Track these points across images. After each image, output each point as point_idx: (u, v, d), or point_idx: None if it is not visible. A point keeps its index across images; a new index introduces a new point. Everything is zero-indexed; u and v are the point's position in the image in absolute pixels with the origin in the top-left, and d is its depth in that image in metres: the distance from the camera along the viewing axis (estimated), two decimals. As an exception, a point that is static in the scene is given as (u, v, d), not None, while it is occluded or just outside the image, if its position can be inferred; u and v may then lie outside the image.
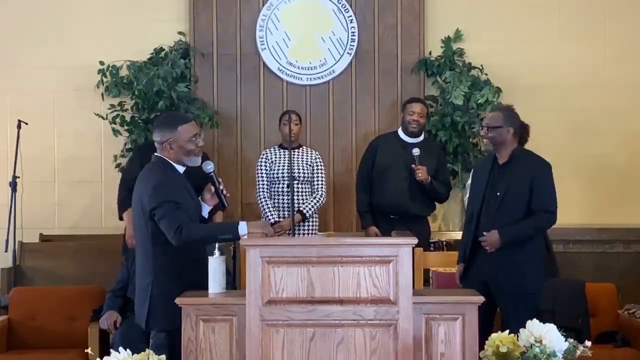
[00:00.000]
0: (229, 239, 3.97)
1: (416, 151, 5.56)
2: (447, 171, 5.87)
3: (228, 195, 4.17)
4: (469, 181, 5.30)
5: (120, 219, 5.57)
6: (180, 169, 4.05)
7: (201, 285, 3.84)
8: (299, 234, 5.52)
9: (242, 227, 3.89)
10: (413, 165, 5.53)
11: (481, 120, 6.20)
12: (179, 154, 4.01)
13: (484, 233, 4.45)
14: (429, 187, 5.55)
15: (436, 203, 5.80)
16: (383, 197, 5.63)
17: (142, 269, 3.99)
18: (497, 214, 4.45)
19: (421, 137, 5.77)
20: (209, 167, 4.11)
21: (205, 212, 4.09)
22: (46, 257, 5.90)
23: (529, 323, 3.63)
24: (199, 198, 4.16)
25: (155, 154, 4.09)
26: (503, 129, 4.51)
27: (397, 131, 5.83)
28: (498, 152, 4.57)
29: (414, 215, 5.56)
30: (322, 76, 6.37)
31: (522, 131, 4.60)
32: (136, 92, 6.18)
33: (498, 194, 4.47)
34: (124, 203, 5.56)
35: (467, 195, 4.95)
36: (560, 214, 5.52)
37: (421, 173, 5.50)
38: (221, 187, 4.12)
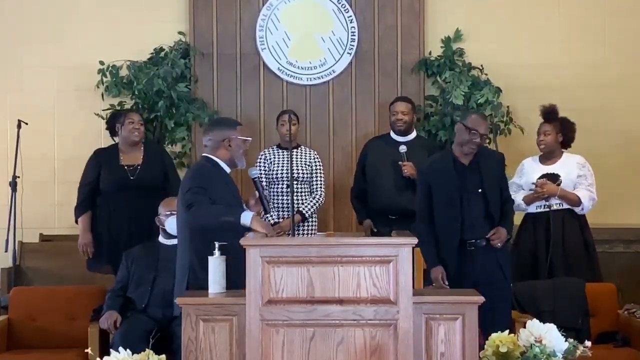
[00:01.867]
0: (230, 222, 3.98)
1: (403, 148, 5.58)
2: None
3: (270, 201, 4.25)
4: None
5: (76, 222, 5.56)
6: (227, 169, 4.15)
7: (232, 277, 3.86)
8: (298, 234, 5.52)
9: (246, 216, 3.96)
10: (400, 162, 5.54)
11: (457, 117, 6.22)
12: (235, 152, 4.15)
13: (492, 232, 4.57)
14: None
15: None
16: (378, 198, 5.65)
17: (181, 259, 4.12)
18: (482, 211, 4.54)
19: (412, 135, 5.78)
20: (254, 172, 4.21)
21: (248, 218, 4.04)
22: (46, 257, 5.90)
23: (529, 323, 3.63)
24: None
25: (203, 154, 4.19)
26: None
27: (389, 133, 5.85)
28: (464, 155, 4.62)
29: (411, 212, 5.54)
30: (322, 76, 6.38)
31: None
32: (136, 92, 6.18)
33: (480, 191, 4.52)
34: (80, 207, 5.55)
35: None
36: (560, 214, 5.54)
37: (407, 169, 5.52)
38: (265, 192, 4.24)
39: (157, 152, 5.69)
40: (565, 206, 5.35)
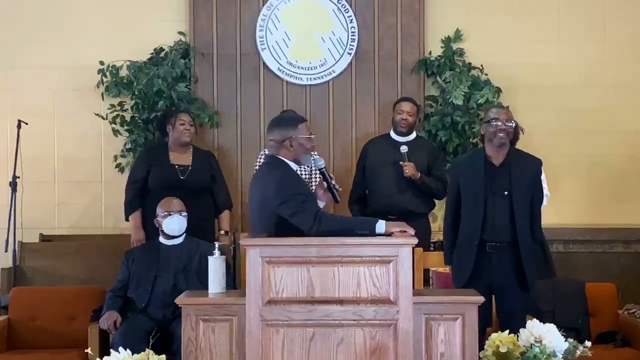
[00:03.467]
0: (364, 235, 3.91)
1: (404, 148, 5.58)
2: (443, 167, 5.84)
3: (340, 189, 4.22)
4: None
5: (127, 220, 5.58)
6: (294, 167, 4.12)
7: None
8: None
9: (380, 225, 3.87)
10: (401, 162, 5.54)
11: (481, 119, 6.23)
12: (298, 151, 4.09)
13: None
14: (420, 183, 5.56)
15: (435, 200, 5.80)
16: (377, 198, 5.65)
17: None
18: (507, 214, 4.44)
19: (412, 136, 5.78)
20: (320, 162, 4.18)
21: (382, 227, 3.95)
22: (46, 257, 5.89)
23: (529, 323, 3.63)
24: None
25: (267, 153, 4.17)
26: (515, 126, 4.54)
27: (389, 133, 5.85)
28: (495, 152, 4.55)
29: (411, 212, 5.55)
30: (322, 76, 6.37)
31: (517, 131, 4.61)
32: (136, 92, 6.18)
33: (506, 193, 4.45)
34: (131, 205, 5.56)
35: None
36: (561, 214, 5.54)
37: (408, 169, 5.52)
38: (333, 182, 4.19)
39: (206, 155, 5.77)
40: None
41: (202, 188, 5.54)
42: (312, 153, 5.59)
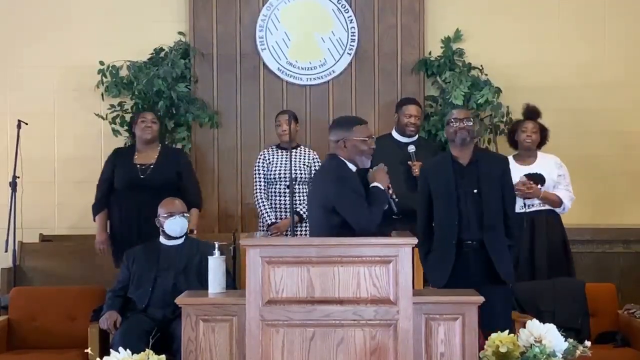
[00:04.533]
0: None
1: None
2: None
3: (397, 200, 4.31)
4: None
5: (94, 221, 5.57)
6: (352, 168, 4.17)
7: None
8: (296, 234, 5.51)
9: (376, 187, 4.17)
10: (410, 162, 5.54)
11: (481, 120, 6.23)
12: (352, 153, 4.16)
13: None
14: None
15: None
16: None
17: None
18: (477, 212, 4.52)
19: (415, 137, 5.79)
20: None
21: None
22: (46, 257, 5.89)
23: (529, 323, 3.63)
24: None
25: (329, 152, 4.24)
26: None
27: (390, 133, 5.83)
28: (460, 152, 4.61)
29: (414, 212, 5.53)
30: (322, 76, 6.37)
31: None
32: (136, 92, 6.18)
33: (475, 191, 4.52)
34: (96, 206, 5.56)
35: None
36: (560, 214, 5.53)
37: (417, 169, 5.52)
38: (390, 191, 4.27)
39: (174, 153, 5.72)
40: (547, 207, 5.36)
41: (165, 186, 5.38)
42: (312, 153, 5.59)
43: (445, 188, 4.59)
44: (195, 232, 5.38)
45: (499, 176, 4.63)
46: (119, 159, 5.59)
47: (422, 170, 4.99)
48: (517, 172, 5.33)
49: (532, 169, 5.40)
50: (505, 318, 4.49)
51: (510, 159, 5.39)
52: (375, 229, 4.07)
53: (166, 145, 5.81)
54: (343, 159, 4.17)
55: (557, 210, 5.37)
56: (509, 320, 4.57)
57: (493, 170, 4.62)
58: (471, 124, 4.66)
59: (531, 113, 5.54)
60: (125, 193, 5.43)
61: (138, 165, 5.49)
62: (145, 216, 5.27)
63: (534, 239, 5.30)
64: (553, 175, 5.39)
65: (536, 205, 5.33)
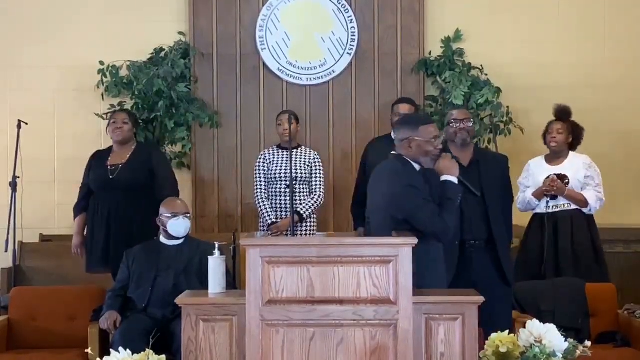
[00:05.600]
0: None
1: None
2: None
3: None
4: None
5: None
6: (417, 167, 4.11)
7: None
8: (296, 234, 5.51)
9: (450, 181, 4.06)
10: None
11: (481, 120, 6.23)
12: (416, 153, 4.07)
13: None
14: None
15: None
16: None
17: None
18: (480, 212, 4.51)
19: None
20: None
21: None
22: (46, 257, 5.89)
23: (529, 323, 3.63)
24: None
25: (393, 152, 4.17)
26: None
27: (390, 133, 5.83)
28: (461, 152, 4.60)
29: None
30: (322, 76, 6.38)
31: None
32: (136, 92, 6.18)
33: (477, 194, 4.47)
34: (76, 208, 5.52)
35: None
36: (561, 214, 5.52)
37: None
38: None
39: (146, 151, 5.56)
40: (573, 206, 5.35)
41: (135, 186, 5.32)
42: (312, 153, 5.57)
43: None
44: None
45: (499, 176, 4.65)
46: (96, 161, 5.53)
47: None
48: (544, 172, 5.34)
49: (560, 169, 5.39)
50: (507, 318, 4.51)
51: (541, 158, 5.41)
52: (452, 238, 4.06)
53: (141, 143, 5.72)
54: (407, 159, 4.10)
55: (584, 210, 5.36)
56: (510, 320, 4.58)
57: (494, 170, 4.63)
58: (471, 124, 4.68)
59: (559, 113, 5.50)
60: (98, 194, 5.37)
61: (109, 166, 5.43)
62: (114, 216, 5.26)
63: (557, 239, 5.30)
64: (579, 176, 5.36)
65: (560, 205, 5.31)
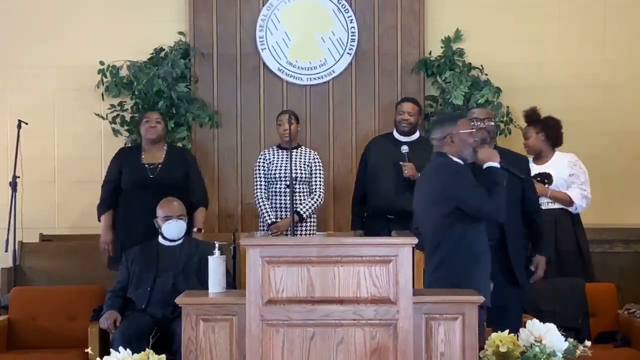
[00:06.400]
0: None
1: (404, 148, 5.58)
2: None
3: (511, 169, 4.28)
4: None
5: (99, 220, 5.56)
6: (460, 162, 4.15)
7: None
8: (296, 234, 5.51)
9: (494, 167, 4.12)
10: (401, 162, 5.54)
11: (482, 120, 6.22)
12: (460, 146, 4.13)
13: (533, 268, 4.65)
14: None
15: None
16: (377, 197, 5.65)
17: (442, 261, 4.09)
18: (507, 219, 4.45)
19: (415, 136, 5.78)
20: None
21: None
22: (46, 257, 5.89)
23: (529, 323, 3.63)
24: None
25: (435, 151, 4.21)
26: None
27: (392, 132, 5.85)
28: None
29: (410, 213, 5.54)
30: (322, 76, 6.38)
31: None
32: (136, 92, 6.18)
33: (522, 177, 4.49)
34: (102, 205, 5.55)
35: None
36: (561, 214, 5.52)
37: (407, 170, 5.52)
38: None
39: (180, 152, 5.72)
40: (558, 206, 5.36)
41: (174, 186, 5.39)
42: (312, 153, 5.58)
43: None
44: (202, 231, 5.39)
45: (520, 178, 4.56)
46: (126, 159, 5.57)
47: None
48: (531, 172, 5.35)
49: (543, 168, 5.42)
50: (517, 319, 4.46)
51: (530, 159, 5.42)
52: (503, 218, 4.10)
53: (171, 144, 5.81)
54: (449, 155, 4.13)
55: (570, 209, 5.38)
56: (519, 321, 4.55)
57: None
58: (492, 123, 4.64)
59: (527, 118, 5.62)
60: (133, 193, 5.40)
61: (146, 165, 5.49)
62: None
63: None
64: (564, 174, 5.39)
65: (544, 204, 5.31)
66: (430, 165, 4.24)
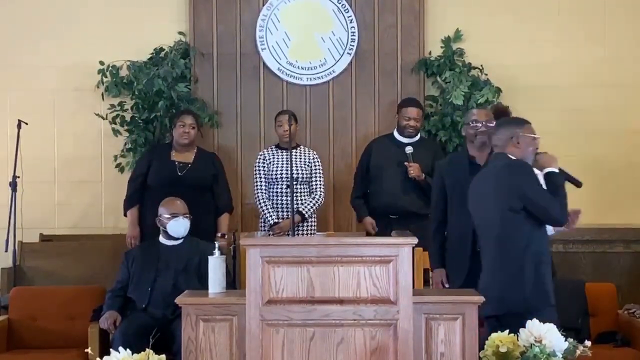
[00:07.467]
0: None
1: (409, 149, 5.60)
2: None
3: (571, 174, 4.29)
4: None
5: (125, 215, 5.60)
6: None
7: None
8: (297, 234, 5.52)
9: (553, 172, 4.13)
10: (406, 163, 5.55)
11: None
12: (524, 148, 4.11)
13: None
14: (425, 184, 5.57)
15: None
16: (380, 197, 5.66)
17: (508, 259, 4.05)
18: None
19: (417, 137, 5.79)
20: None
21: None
22: (46, 257, 5.89)
23: (529, 323, 3.63)
24: None
25: (495, 152, 4.19)
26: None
27: (392, 133, 5.85)
28: (478, 152, 4.56)
29: (413, 213, 5.56)
30: (322, 76, 6.37)
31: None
32: (136, 92, 6.18)
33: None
34: (129, 201, 5.59)
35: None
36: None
37: (413, 170, 5.53)
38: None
39: (210, 156, 5.78)
40: None
41: (202, 186, 5.52)
42: (311, 153, 5.59)
43: (461, 188, 4.54)
44: (226, 236, 5.40)
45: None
46: (156, 155, 5.64)
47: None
48: None
49: None
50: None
51: None
52: (566, 221, 4.11)
53: (200, 147, 5.83)
54: (511, 157, 4.10)
55: None
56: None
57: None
58: (492, 125, 4.58)
59: (495, 116, 5.56)
60: (161, 190, 5.39)
61: (176, 163, 5.52)
62: None
63: None
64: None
65: None
66: (494, 164, 4.17)
